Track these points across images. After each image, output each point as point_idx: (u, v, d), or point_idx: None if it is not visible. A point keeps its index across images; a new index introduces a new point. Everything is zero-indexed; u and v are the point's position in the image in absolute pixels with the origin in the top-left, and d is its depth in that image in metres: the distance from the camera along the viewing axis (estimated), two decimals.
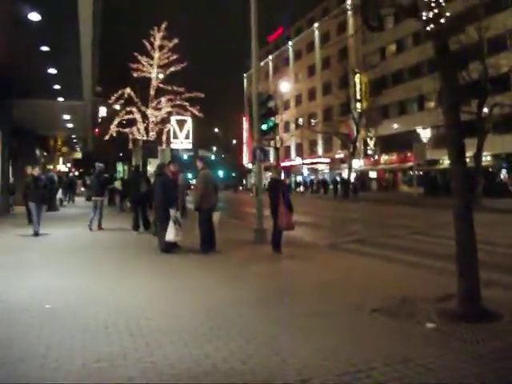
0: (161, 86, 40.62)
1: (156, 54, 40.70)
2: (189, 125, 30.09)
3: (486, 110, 31.47)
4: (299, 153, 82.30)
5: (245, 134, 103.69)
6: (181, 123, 29.91)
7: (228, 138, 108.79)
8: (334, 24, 73.53)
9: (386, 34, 61.36)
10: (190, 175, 47.38)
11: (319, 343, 5.58)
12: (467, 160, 6.96)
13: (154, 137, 41.19)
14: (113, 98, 40.80)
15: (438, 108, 47.50)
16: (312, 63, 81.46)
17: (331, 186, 59.53)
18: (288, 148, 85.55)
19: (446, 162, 51.05)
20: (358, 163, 61.97)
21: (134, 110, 40.52)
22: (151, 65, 40.65)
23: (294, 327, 6.20)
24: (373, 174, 66.00)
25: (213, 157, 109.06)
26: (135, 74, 40.17)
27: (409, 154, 51.04)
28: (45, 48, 16.05)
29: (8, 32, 15.34)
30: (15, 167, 31.56)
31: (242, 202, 42.38)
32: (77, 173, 74.72)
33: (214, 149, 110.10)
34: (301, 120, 78.78)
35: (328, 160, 73.02)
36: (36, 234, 15.53)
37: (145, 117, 40.94)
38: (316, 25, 79.97)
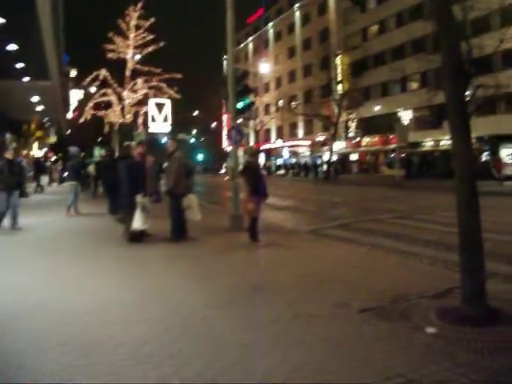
0: (137, 66, 39.64)
1: (132, 34, 39.64)
2: (167, 108, 29.60)
3: (469, 91, 30.77)
4: (280, 135, 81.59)
5: (224, 117, 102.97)
6: (159, 106, 29.51)
7: (208, 121, 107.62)
8: (315, 5, 72.60)
9: (368, 14, 60.77)
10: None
11: (302, 357, 4.62)
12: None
13: (131, 119, 40.37)
14: (87, 79, 39.94)
15: (422, 89, 47.58)
16: (292, 45, 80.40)
17: (312, 169, 58.92)
18: (268, 131, 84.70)
19: (427, 145, 50.74)
20: (339, 146, 61.06)
21: (110, 92, 39.66)
22: (127, 45, 39.59)
23: (271, 335, 5.25)
24: (354, 157, 65.24)
25: (192, 140, 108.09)
26: (110, 55, 39.09)
27: (391, 137, 50.44)
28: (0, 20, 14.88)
29: None
30: None
31: (220, 185, 41.39)
32: (54, 157, 72.95)
33: (194, 132, 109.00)
34: (281, 102, 77.92)
35: (309, 142, 72.16)
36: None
37: (121, 99, 40.07)
38: (296, 5, 78.70)
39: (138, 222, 10.79)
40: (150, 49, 39.44)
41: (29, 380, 4.24)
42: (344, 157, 64.41)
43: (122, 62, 39.98)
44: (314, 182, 47.51)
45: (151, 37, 39.37)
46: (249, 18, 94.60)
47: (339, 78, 61.12)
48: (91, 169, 25.39)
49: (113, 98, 39.96)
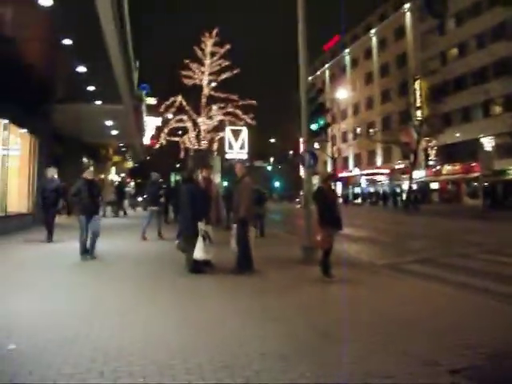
0: (212, 93, 39.73)
1: (207, 61, 39.84)
2: (244, 134, 29.48)
3: None
4: (357, 163, 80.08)
5: (301, 145, 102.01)
6: (236, 133, 29.43)
7: (285, 149, 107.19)
8: (392, 29, 71.38)
9: (446, 37, 59.14)
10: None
11: None
12: None
13: (206, 145, 40.39)
14: (163, 106, 40.38)
15: (505, 113, 45.43)
16: (369, 70, 79.22)
17: (390, 198, 57.21)
18: (346, 159, 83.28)
19: None
20: (418, 174, 58.93)
21: (185, 118, 39.90)
22: (202, 72, 39.83)
23: None
24: (434, 186, 62.79)
25: (269, 167, 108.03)
26: (186, 82, 39.45)
27: (473, 164, 48.28)
28: (67, 42, 14.62)
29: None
30: (60, 175, 30.80)
31: (295, 213, 40.40)
32: (132, 183, 73.86)
33: (271, 159, 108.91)
34: (359, 129, 76.65)
35: (387, 171, 70.36)
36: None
37: (196, 125, 40.21)
38: (373, 31, 77.62)
39: (199, 252, 10.03)
40: (225, 75, 39.41)
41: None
42: (424, 186, 62.05)
43: (198, 89, 40.30)
44: (392, 212, 45.70)
45: (226, 63, 39.39)
46: (325, 45, 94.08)
47: (418, 103, 59.39)
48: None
49: (188, 125, 40.16)
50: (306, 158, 12.63)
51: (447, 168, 59.01)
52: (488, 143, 41.81)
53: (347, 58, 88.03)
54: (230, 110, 38.94)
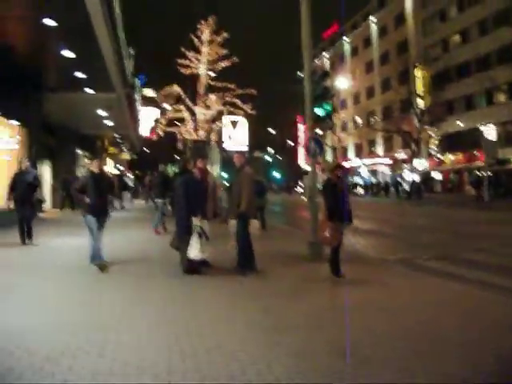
0: (210, 82, 38.95)
1: (204, 49, 39.02)
2: (243, 125, 28.97)
3: None
4: (358, 153, 79.11)
5: (301, 135, 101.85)
6: (234, 124, 29.01)
7: (284, 139, 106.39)
8: (392, 16, 70.32)
9: (448, 23, 58.08)
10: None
11: None
12: None
13: (204, 136, 39.68)
14: (160, 95, 39.82)
15: (510, 101, 44.54)
16: (370, 59, 77.99)
17: (392, 188, 56.27)
18: (346, 148, 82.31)
19: None
20: (420, 163, 57.85)
21: (182, 108, 39.22)
22: (199, 60, 39.04)
23: None
24: (436, 175, 61.74)
25: (268, 158, 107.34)
26: (183, 71, 38.69)
27: (476, 153, 47.33)
28: (51, 22, 13.60)
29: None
30: (54, 167, 29.98)
31: (296, 205, 39.50)
32: (129, 175, 72.64)
33: (270, 150, 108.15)
34: (359, 119, 75.68)
35: (389, 160, 69.39)
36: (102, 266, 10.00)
37: (194, 115, 39.53)
38: (372, 18, 76.43)
39: (194, 250, 9.08)
40: (224, 64, 38.58)
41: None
42: (426, 175, 60.96)
43: (195, 78, 39.52)
44: (395, 202, 44.69)
45: (224, 52, 38.56)
46: (324, 33, 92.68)
47: (419, 91, 58.33)
48: None
49: (186, 115, 39.42)
50: (310, 146, 11.60)
51: (450, 157, 57.97)
52: (491, 131, 40.72)
53: (347, 47, 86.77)
54: (229, 99, 38.23)
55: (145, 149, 71.24)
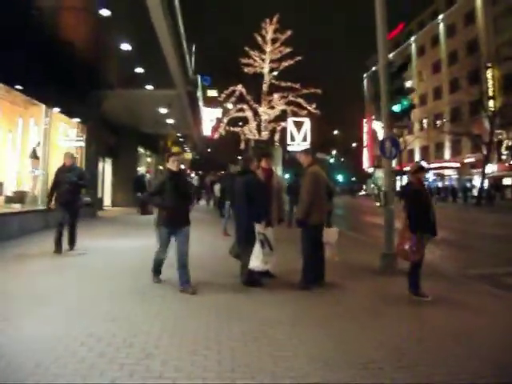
0: (274, 82, 38.48)
1: (268, 48, 38.59)
2: (307, 126, 28.58)
3: None
4: (424, 156, 76.65)
5: (365, 137, 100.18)
6: (298, 124, 28.76)
7: (347, 141, 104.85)
8: (461, 14, 67.84)
9: None
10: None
11: None
12: None
13: (267, 136, 39.21)
14: (223, 95, 39.62)
15: None
16: (437, 59, 75.31)
17: (460, 194, 54.13)
18: (412, 151, 79.90)
19: None
20: (490, 168, 55.23)
21: (246, 107, 38.91)
22: (263, 59, 38.64)
23: None
24: (507, 181, 58.85)
25: (332, 160, 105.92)
26: (246, 70, 38.39)
27: None
28: (106, 13, 12.95)
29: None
30: (115, 165, 29.81)
31: (362, 209, 38.20)
32: (193, 175, 72.61)
33: (334, 152, 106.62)
34: (426, 121, 73.46)
35: (457, 164, 66.89)
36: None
37: (257, 115, 39.16)
38: (440, 16, 73.96)
39: (256, 261, 8.09)
40: (287, 63, 37.97)
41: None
42: (497, 181, 58.17)
43: (259, 77, 39.09)
44: (463, 209, 42.68)
45: (288, 50, 37.90)
46: (389, 34, 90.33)
47: (491, 92, 55.82)
48: (216, 189, 23.34)
49: (249, 114, 39.17)
50: (386, 146, 10.50)
51: None
52: None
53: (413, 46, 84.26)
54: (293, 99, 37.52)
55: (208, 149, 71.13)
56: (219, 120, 43.13)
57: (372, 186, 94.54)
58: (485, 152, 48.19)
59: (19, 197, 16.59)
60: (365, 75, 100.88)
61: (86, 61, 16.85)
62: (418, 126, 76.91)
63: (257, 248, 8.07)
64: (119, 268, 10.10)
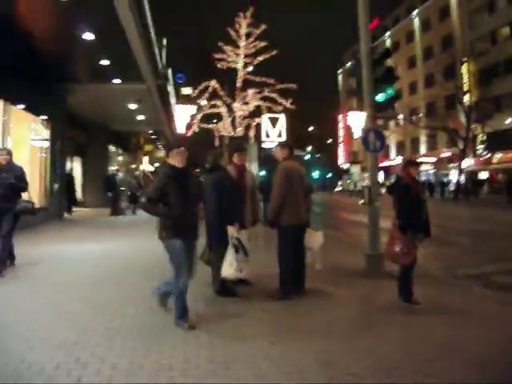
0: (248, 77, 37.79)
1: (242, 43, 37.81)
2: (282, 122, 28.12)
3: None
4: (400, 152, 76.58)
5: (341, 133, 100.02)
6: (273, 121, 28.25)
7: (323, 138, 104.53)
8: (436, 9, 67.93)
9: (496, 15, 55.71)
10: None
11: None
12: None
13: (242, 132, 38.59)
14: (196, 91, 38.85)
15: None
16: (412, 54, 75.55)
17: (437, 189, 53.95)
18: (387, 147, 79.67)
19: None
20: (466, 163, 54.99)
21: (219, 103, 38.20)
22: (237, 54, 37.90)
23: None
24: (483, 175, 58.73)
25: (307, 156, 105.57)
26: (220, 65, 37.64)
27: None
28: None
29: None
30: (85, 164, 28.90)
31: (340, 205, 37.56)
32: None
33: (309, 148, 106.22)
34: (401, 116, 73.33)
35: (433, 159, 66.78)
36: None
37: (231, 111, 38.49)
38: (415, 12, 73.96)
39: (229, 268, 6.94)
40: (262, 57, 37.25)
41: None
42: (472, 175, 58.02)
43: (233, 73, 38.41)
44: (441, 203, 42.24)
45: (263, 44, 37.18)
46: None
47: (466, 87, 55.74)
48: None
49: (223, 110, 38.40)
50: (369, 139, 9.68)
51: (498, 156, 55.05)
52: None
53: (388, 42, 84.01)
54: (267, 94, 36.85)
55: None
56: (193, 117, 42.40)
57: (348, 181, 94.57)
58: (461, 146, 48.06)
59: None
60: (340, 70, 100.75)
61: (48, 52, 15.75)
62: (393, 121, 76.75)
63: (230, 254, 6.98)
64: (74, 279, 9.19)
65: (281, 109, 35.72)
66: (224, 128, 38.86)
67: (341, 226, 21.43)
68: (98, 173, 27.85)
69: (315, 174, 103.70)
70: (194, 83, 40.50)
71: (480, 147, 57.74)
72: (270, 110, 35.68)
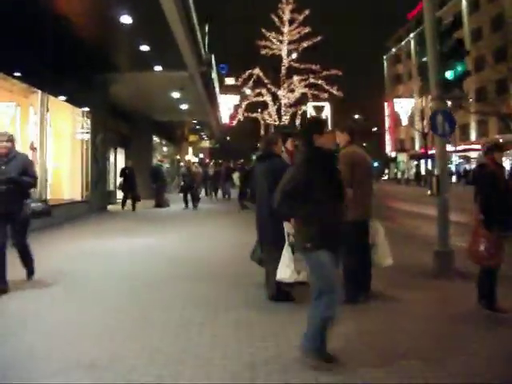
0: (293, 64, 37.20)
1: (285, 29, 37.15)
2: (327, 111, 27.44)
3: None
4: (449, 139, 74.66)
5: (387, 121, 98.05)
6: (318, 109, 27.86)
7: (368, 126, 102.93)
8: None
9: None
10: None
11: None
12: None
13: (288, 121, 37.98)
14: (240, 79, 38.45)
15: None
16: (460, 37, 72.52)
17: None
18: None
19: None
20: None
21: (264, 91, 37.67)
22: (281, 41, 37.24)
23: None
24: None
25: None
26: (264, 52, 37.10)
27: None
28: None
29: None
30: (128, 156, 28.52)
31: (390, 194, 36.32)
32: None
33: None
34: (449, 102, 71.37)
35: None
36: None
37: (276, 99, 37.95)
38: None
39: (285, 271, 6.05)
40: (306, 44, 36.49)
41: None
42: None
43: (277, 60, 37.82)
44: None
45: (306, 30, 36.39)
46: (409, 14, 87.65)
47: None
48: (235, 177, 21.60)
49: (268, 99, 37.90)
50: (437, 122, 8.64)
51: None
52: None
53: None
54: (313, 81, 36.07)
55: (227, 138, 69.56)
56: (237, 107, 41.96)
57: (395, 170, 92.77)
58: None
59: None
60: (384, 57, 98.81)
61: (85, 38, 15.25)
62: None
63: (286, 254, 6.11)
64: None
65: (327, 96, 35.00)
66: (269, 116, 38.37)
67: (393, 216, 20.23)
68: (143, 164, 27.32)
69: None
70: (238, 73, 40.07)
71: None
72: (316, 98, 34.95)
